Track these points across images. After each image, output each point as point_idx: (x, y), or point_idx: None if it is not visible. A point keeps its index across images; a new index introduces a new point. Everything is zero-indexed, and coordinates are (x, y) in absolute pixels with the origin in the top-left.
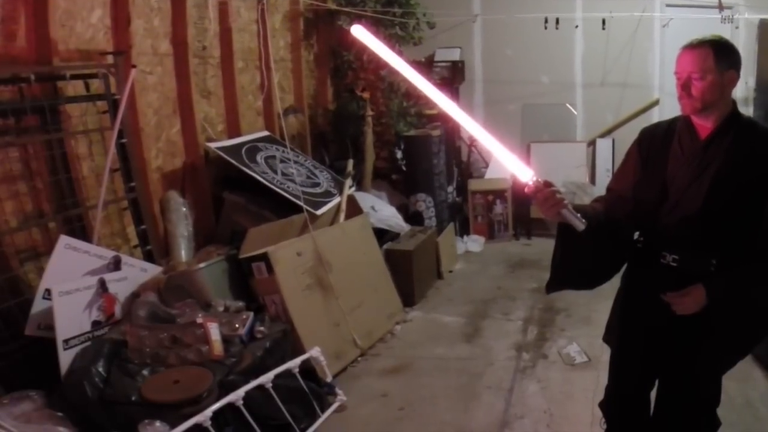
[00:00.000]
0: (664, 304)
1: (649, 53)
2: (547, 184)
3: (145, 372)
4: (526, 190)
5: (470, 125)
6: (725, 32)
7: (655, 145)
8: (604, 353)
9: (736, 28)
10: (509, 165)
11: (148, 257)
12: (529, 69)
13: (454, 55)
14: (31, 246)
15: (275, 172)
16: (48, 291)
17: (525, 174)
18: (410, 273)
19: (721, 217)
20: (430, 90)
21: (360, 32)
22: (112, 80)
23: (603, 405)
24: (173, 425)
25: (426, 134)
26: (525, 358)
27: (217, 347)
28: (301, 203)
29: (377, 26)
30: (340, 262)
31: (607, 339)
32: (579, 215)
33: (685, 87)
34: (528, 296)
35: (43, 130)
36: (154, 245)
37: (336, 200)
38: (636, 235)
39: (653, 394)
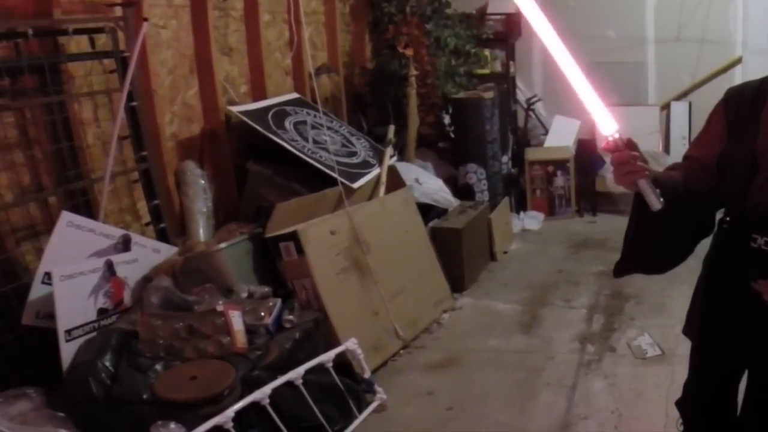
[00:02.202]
0: (753, 293)
1: (731, 4)
2: (630, 145)
3: (158, 367)
4: (603, 145)
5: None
6: None
7: (743, 109)
8: (680, 345)
9: None
10: (593, 110)
11: (162, 236)
12: (595, 22)
13: (510, 6)
14: (28, 223)
15: (306, 139)
16: (48, 275)
17: (608, 126)
18: (459, 254)
19: None
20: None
21: None
22: (120, 35)
23: (680, 404)
24: (190, 427)
25: (477, 97)
26: (590, 351)
27: (240, 338)
28: (335, 175)
29: None
30: (380, 241)
31: (687, 331)
32: (659, 191)
33: None
34: (593, 280)
35: (43, 92)
36: (169, 223)
37: (375, 171)
38: (721, 213)
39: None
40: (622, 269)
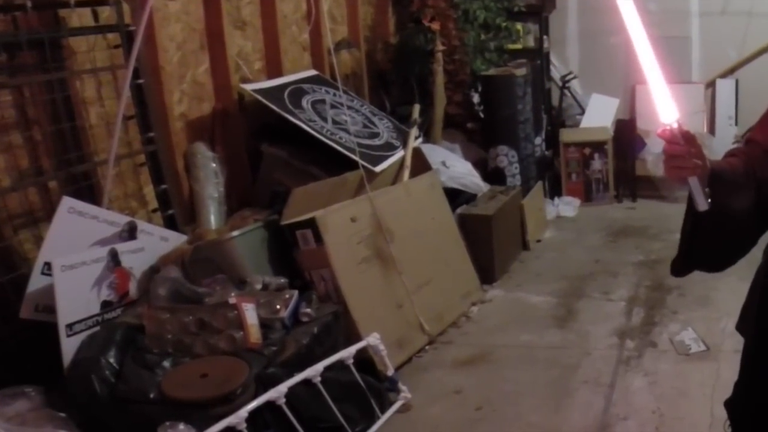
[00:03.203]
0: None
1: None
2: (688, 138)
3: (165, 364)
4: (659, 131)
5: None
6: None
7: None
8: (726, 340)
9: None
10: (656, 91)
11: (170, 223)
12: None
13: None
14: (27, 210)
15: (325, 119)
16: (47, 265)
17: (668, 113)
18: (489, 243)
19: None
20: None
21: None
22: (125, 8)
23: (730, 404)
24: (200, 428)
25: (509, 73)
26: (629, 347)
27: (254, 333)
28: (356, 158)
29: None
30: (404, 229)
31: (741, 328)
32: (707, 191)
33: None
34: (632, 271)
35: (42, 68)
36: (177, 209)
37: (399, 154)
38: None
39: None
40: (680, 269)
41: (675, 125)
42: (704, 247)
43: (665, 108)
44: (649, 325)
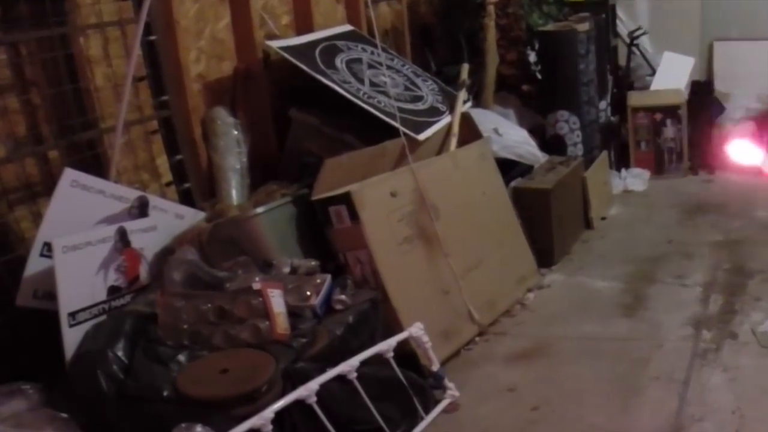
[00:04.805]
0: None
1: None
2: None
3: (181, 357)
4: None
5: None
6: None
7: None
8: None
9: None
10: None
11: (186, 199)
12: None
13: None
14: (24, 183)
15: (361, 81)
16: (48, 245)
17: None
18: (548, 221)
19: None
20: None
21: None
22: None
23: None
24: (220, 430)
25: (570, 29)
26: (706, 339)
27: (281, 323)
28: (396, 124)
29: None
30: (451, 205)
31: None
32: None
33: None
34: (709, 252)
35: (42, 23)
36: (194, 182)
37: (445, 120)
38: None
39: None
40: None
41: None
42: None
43: None
44: (729, 313)
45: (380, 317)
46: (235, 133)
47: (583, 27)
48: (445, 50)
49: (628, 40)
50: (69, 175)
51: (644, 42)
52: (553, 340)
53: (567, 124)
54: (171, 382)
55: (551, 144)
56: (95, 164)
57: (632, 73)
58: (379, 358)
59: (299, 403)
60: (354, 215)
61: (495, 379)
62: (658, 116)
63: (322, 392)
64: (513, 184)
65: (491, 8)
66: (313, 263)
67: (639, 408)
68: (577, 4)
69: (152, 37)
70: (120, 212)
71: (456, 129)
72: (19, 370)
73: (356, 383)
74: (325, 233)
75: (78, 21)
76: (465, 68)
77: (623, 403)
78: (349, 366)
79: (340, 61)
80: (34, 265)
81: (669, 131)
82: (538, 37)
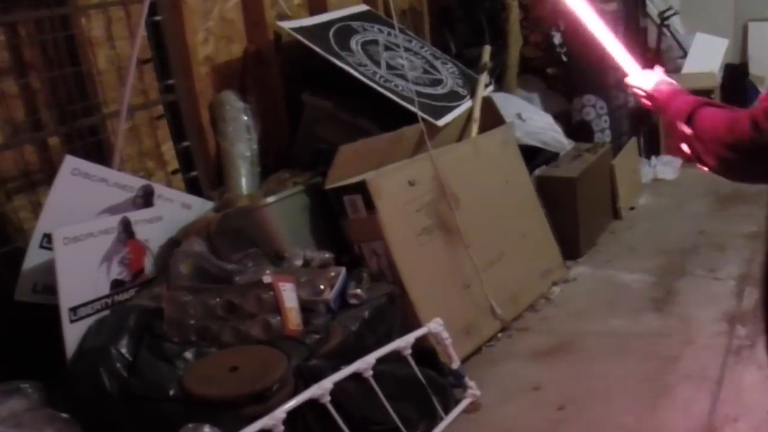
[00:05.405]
0: None
1: None
2: None
3: (188, 354)
4: None
5: None
6: None
7: None
8: None
9: None
10: None
11: (193, 187)
12: None
13: None
14: (23, 171)
15: (377, 64)
16: (48, 237)
17: None
18: (574, 211)
19: None
20: None
21: None
22: None
23: None
24: (230, 431)
25: (597, 9)
26: (740, 335)
27: (293, 318)
28: (414, 109)
29: None
30: (472, 194)
31: None
32: None
33: None
34: (744, 244)
35: (41, 2)
36: (202, 170)
37: (466, 105)
38: None
39: None
40: None
41: None
42: None
43: None
44: None
45: (397, 312)
46: (245, 118)
47: (610, 7)
48: (465, 31)
49: (658, 21)
50: (70, 162)
51: (675, 22)
52: (580, 336)
53: (594, 109)
54: (177, 380)
55: (577, 130)
56: (97, 151)
57: (663, 56)
58: (396, 355)
59: (312, 403)
60: (370, 205)
61: (518, 377)
62: None
63: (337, 391)
64: (537, 172)
65: None
66: (327, 255)
67: (669, 408)
68: None
69: (157, 17)
70: (123, 202)
71: (477, 114)
72: (18, 368)
73: (372, 382)
74: (339, 224)
75: (79, 0)
76: (487, 50)
77: (653, 402)
78: (364, 364)
79: (355, 43)
80: (34, 257)
81: None
82: (563, 17)
